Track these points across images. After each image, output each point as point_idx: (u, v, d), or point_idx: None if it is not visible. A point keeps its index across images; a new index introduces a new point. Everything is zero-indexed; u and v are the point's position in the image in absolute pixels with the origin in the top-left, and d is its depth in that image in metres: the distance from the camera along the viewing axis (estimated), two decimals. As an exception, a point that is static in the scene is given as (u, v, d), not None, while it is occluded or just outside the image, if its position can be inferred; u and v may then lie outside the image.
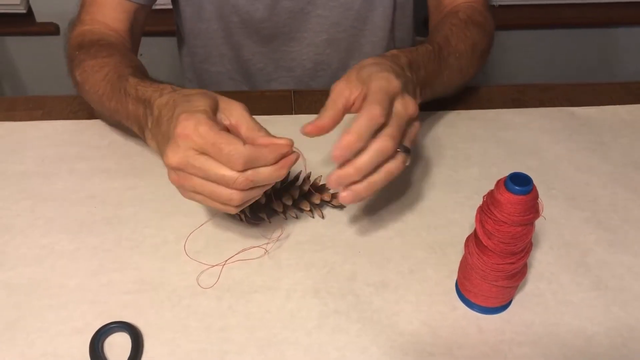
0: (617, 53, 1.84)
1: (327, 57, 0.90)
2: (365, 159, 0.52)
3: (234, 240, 0.62)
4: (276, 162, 0.51)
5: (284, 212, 0.64)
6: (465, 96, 0.80)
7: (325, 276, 0.59)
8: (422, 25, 1.71)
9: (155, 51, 1.73)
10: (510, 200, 0.47)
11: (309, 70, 0.91)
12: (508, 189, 0.47)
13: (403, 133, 0.54)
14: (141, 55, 1.82)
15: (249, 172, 0.50)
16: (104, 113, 0.70)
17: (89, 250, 0.61)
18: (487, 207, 0.49)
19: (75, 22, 0.78)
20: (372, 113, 0.51)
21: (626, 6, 1.75)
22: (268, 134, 0.53)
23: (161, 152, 0.53)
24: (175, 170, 0.51)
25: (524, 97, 0.82)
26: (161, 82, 0.61)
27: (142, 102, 0.59)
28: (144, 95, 0.59)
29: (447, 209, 0.66)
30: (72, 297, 0.57)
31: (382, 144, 0.52)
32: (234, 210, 0.53)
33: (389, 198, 0.67)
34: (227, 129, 0.53)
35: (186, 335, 0.54)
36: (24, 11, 1.61)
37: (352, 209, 0.66)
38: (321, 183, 0.65)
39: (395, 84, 0.54)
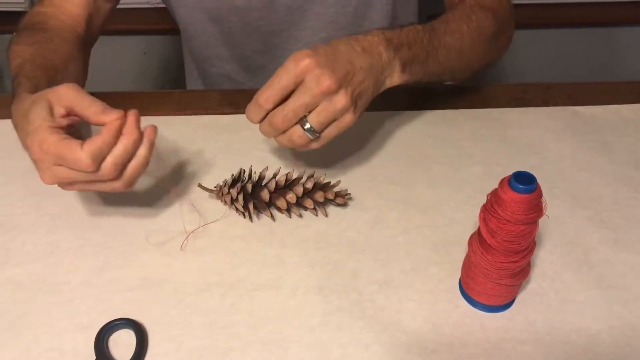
0: (621, 52, 1.84)
1: None
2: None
3: (240, 238, 0.62)
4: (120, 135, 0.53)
5: (288, 211, 0.64)
6: (468, 95, 0.80)
7: (328, 274, 0.59)
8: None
9: (161, 51, 1.74)
10: (514, 198, 0.47)
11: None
12: (512, 188, 0.47)
13: (307, 107, 0.56)
14: (144, 54, 1.82)
15: (108, 160, 0.52)
16: None
17: (93, 247, 0.61)
18: (491, 206, 0.49)
19: (36, 2, 0.79)
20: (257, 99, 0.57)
21: (630, 5, 1.75)
22: (102, 106, 0.53)
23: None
24: (56, 184, 0.54)
25: (527, 96, 0.82)
26: (30, 90, 0.60)
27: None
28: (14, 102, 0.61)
29: (450, 208, 0.66)
30: (77, 293, 0.57)
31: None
32: (128, 188, 0.56)
33: (391, 196, 0.67)
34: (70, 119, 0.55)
35: (190, 332, 0.54)
36: (28, 9, 1.61)
37: (356, 208, 0.66)
38: (325, 181, 0.65)
39: (303, 64, 0.56)
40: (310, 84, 0.56)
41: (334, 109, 0.57)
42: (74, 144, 0.51)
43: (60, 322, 0.55)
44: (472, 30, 0.72)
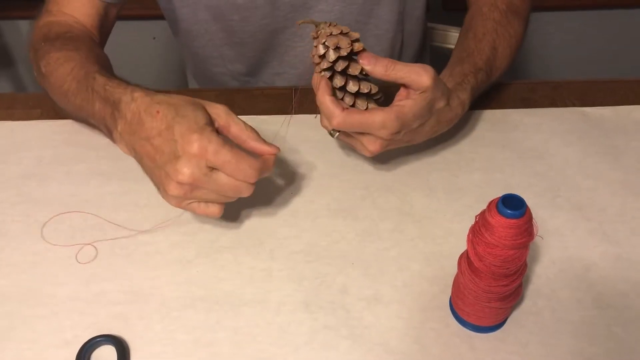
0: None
1: None
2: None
3: (228, 250, 0.61)
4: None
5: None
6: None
7: (316, 289, 0.58)
8: (441, 7, 1.66)
9: (170, 35, 1.72)
10: (501, 223, 0.45)
11: (312, 67, 0.89)
12: (500, 212, 0.45)
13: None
14: (154, 39, 1.81)
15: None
16: (68, 108, 0.70)
17: (82, 257, 0.61)
18: (479, 229, 0.47)
19: (42, 11, 0.77)
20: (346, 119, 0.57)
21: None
22: (256, 133, 0.57)
23: (164, 167, 0.54)
24: (182, 185, 0.53)
25: (534, 95, 0.79)
26: (128, 83, 0.61)
27: (110, 103, 0.59)
28: (112, 97, 0.59)
29: (446, 219, 0.64)
30: (62, 307, 0.57)
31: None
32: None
33: (385, 205, 0.65)
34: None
35: (174, 349, 0.53)
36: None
37: (348, 218, 0.64)
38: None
39: (384, 133, 0.58)
40: (366, 138, 0.60)
41: (360, 149, 0.62)
42: (245, 153, 0.54)
43: (44, 337, 0.54)
44: (513, 50, 0.74)
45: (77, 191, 0.67)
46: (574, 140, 0.73)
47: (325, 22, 0.58)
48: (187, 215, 0.64)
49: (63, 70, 0.67)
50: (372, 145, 0.60)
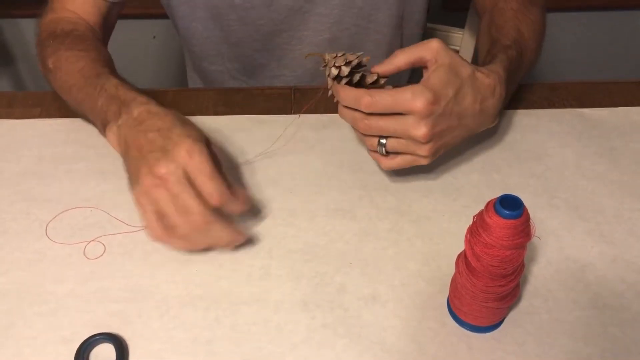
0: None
1: None
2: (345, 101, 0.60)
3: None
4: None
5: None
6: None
7: (314, 288, 0.58)
8: (441, 7, 1.66)
9: (170, 34, 1.72)
10: (499, 223, 0.46)
11: (310, 70, 0.89)
12: (497, 213, 0.45)
13: (392, 135, 0.59)
14: (154, 37, 1.81)
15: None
16: (68, 100, 0.72)
17: (81, 255, 0.61)
18: (476, 229, 0.47)
19: (46, 9, 0.79)
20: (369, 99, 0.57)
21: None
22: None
23: (147, 156, 0.56)
24: (154, 177, 0.54)
25: (532, 96, 0.79)
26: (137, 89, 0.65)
27: (121, 101, 0.62)
28: (124, 96, 0.63)
29: (444, 218, 0.64)
30: (61, 304, 0.57)
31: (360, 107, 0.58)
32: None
33: (383, 205, 0.66)
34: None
35: (172, 347, 0.54)
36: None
37: (346, 217, 0.64)
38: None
39: (418, 105, 0.56)
40: (408, 123, 0.57)
41: (413, 151, 0.60)
42: (221, 179, 0.56)
43: (43, 334, 0.55)
44: (538, 36, 0.74)
45: (77, 189, 0.68)
46: (572, 141, 0.73)
47: (330, 53, 0.61)
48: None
49: (73, 67, 0.69)
50: (417, 129, 0.57)
